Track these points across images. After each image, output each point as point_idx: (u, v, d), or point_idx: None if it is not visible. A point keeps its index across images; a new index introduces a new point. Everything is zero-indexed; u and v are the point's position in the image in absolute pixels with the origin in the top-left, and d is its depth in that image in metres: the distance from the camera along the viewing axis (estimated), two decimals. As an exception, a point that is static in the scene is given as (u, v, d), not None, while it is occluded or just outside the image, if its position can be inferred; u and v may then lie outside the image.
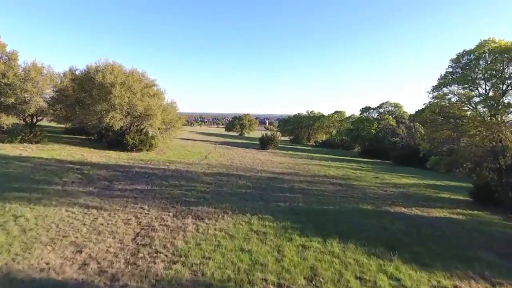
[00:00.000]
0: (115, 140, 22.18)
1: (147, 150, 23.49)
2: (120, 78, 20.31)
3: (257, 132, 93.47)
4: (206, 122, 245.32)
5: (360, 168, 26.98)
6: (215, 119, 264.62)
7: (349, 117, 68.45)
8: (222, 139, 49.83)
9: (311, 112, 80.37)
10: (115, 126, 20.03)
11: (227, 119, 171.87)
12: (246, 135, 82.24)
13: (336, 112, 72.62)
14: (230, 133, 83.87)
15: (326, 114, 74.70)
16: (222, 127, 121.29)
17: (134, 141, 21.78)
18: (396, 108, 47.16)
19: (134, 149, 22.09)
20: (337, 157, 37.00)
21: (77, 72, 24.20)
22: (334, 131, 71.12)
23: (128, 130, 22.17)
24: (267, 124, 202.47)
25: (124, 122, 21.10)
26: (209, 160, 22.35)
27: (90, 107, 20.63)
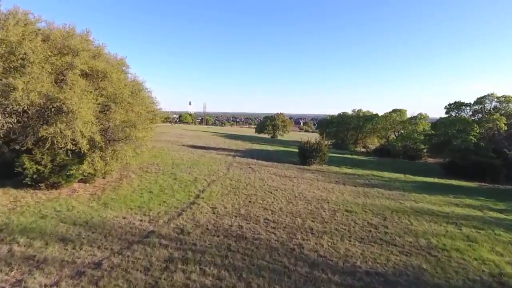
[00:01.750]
0: (8, 164, 11.07)
1: (85, 181, 12.17)
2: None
3: (292, 134, 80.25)
4: (239, 122, 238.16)
5: (504, 218, 13.29)
6: (247, 119, 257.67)
7: (413, 117, 52.31)
8: (248, 145, 37.84)
9: (358, 110, 65.60)
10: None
11: (259, 119, 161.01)
12: (279, 137, 69.60)
13: (394, 111, 56.63)
14: (261, 135, 71.58)
15: (379, 113, 58.98)
16: (254, 127, 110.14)
17: (40, 168, 10.44)
18: (506, 104, 31.17)
19: (44, 184, 10.82)
20: (419, 178, 23.11)
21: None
22: (393, 135, 55.39)
23: (31, 144, 10.78)
24: (302, 124, 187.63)
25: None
26: (197, 211, 10.33)
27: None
